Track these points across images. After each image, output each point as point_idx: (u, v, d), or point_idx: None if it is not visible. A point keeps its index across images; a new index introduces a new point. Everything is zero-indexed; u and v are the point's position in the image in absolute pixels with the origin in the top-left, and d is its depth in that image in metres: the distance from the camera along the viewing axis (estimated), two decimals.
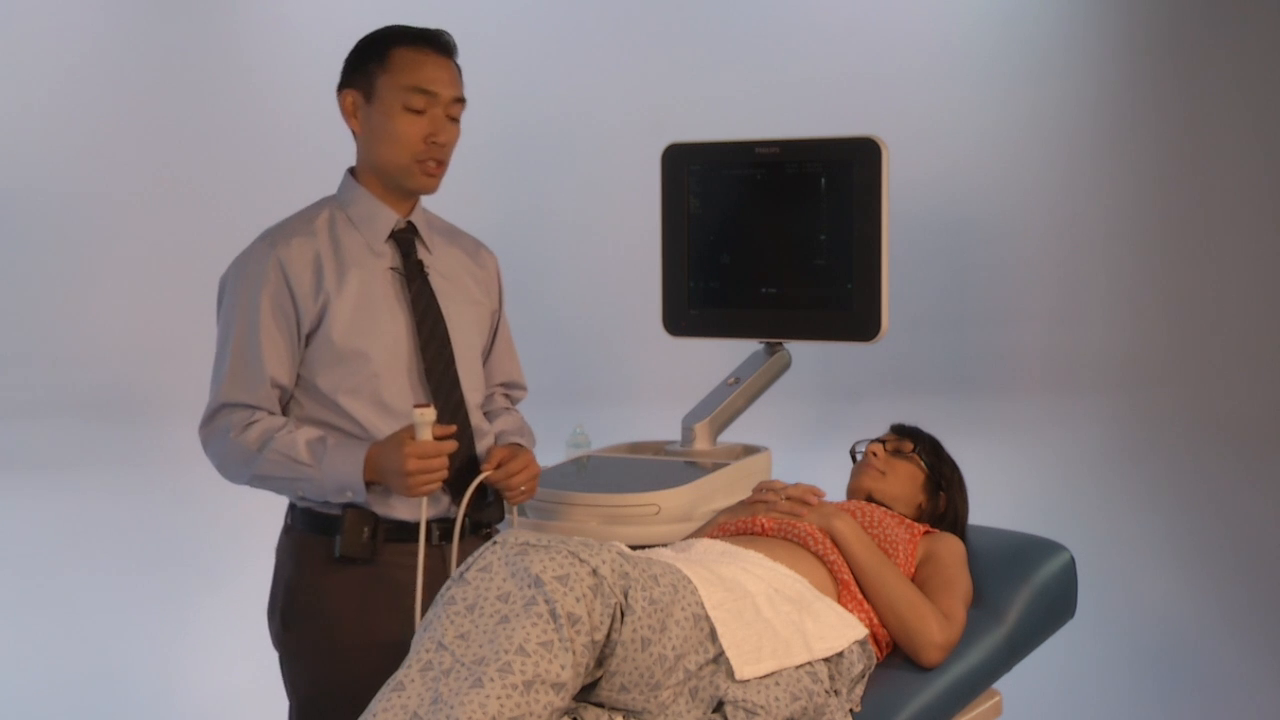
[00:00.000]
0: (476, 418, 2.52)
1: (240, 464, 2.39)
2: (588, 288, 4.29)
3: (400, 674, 1.97)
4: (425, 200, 2.56)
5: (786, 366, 3.23)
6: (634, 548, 2.21)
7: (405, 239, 2.48)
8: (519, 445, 2.55)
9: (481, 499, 2.49)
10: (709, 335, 3.24)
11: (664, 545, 2.51)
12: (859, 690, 2.29)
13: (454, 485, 2.43)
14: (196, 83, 3.93)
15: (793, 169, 3.09)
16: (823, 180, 3.05)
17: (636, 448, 3.22)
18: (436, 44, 2.43)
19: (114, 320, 3.90)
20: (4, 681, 3.74)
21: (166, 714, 3.81)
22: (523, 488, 2.47)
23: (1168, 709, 4.18)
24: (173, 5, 3.97)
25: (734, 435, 3.18)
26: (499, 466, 2.45)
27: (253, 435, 2.37)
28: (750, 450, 3.10)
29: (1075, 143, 4.59)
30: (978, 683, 2.48)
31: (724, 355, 3.31)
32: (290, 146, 3.91)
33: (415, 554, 2.37)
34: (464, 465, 2.45)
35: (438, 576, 2.40)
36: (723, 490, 2.85)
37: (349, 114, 2.45)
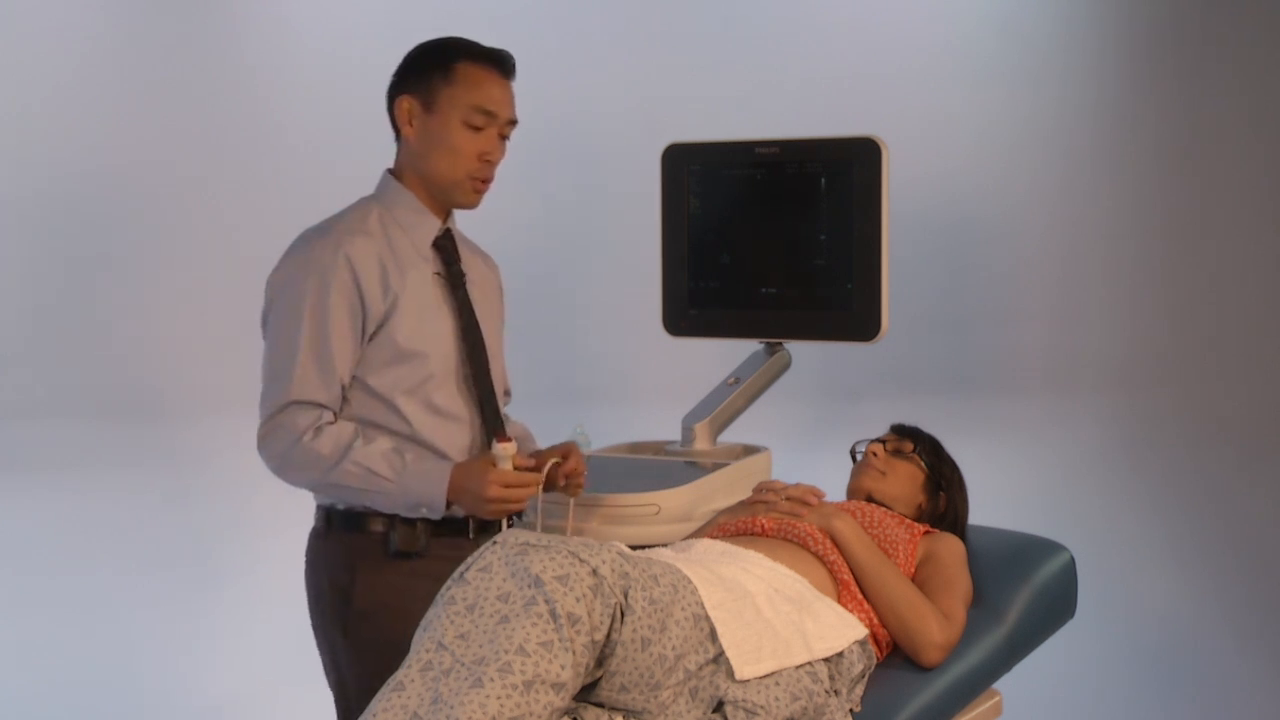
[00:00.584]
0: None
1: (308, 469, 2.37)
2: (588, 288, 4.29)
3: (400, 674, 1.97)
4: None
5: (786, 366, 3.23)
6: (634, 548, 2.21)
7: (447, 246, 2.51)
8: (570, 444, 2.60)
9: None
10: (709, 335, 3.24)
11: (664, 545, 2.51)
12: (859, 690, 2.29)
13: None
14: (198, 83, 3.93)
15: (793, 169, 3.09)
16: (823, 180, 3.05)
17: (636, 448, 3.22)
18: (501, 65, 2.46)
19: (115, 320, 3.90)
20: (5, 681, 3.74)
21: (169, 714, 3.80)
22: (579, 480, 2.54)
23: (1168, 709, 4.18)
24: (172, 5, 3.97)
25: (734, 435, 3.18)
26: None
27: (325, 442, 2.36)
28: (750, 450, 3.10)
29: (1075, 143, 4.60)
30: (978, 683, 2.48)
31: (724, 355, 3.31)
32: (290, 146, 3.91)
33: (461, 547, 2.40)
34: None
35: None
36: (723, 490, 2.85)
37: (404, 119, 2.45)
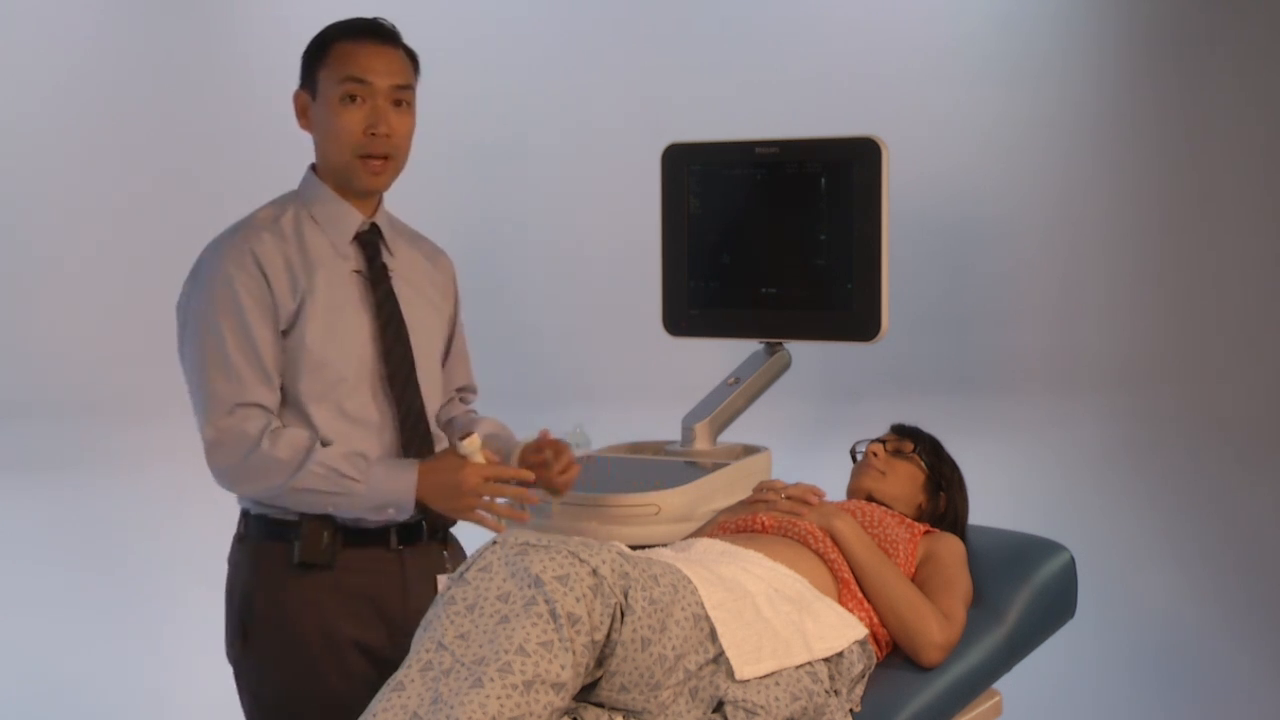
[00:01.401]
0: (433, 423, 2.45)
1: (267, 476, 2.26)
2: (588, 288, 4.29)
3: (400, 674, 1.97)
4: (403, 201, 2.50)
5: (786, 366, 3.23)
6: (634, 548, 2.21)
7: (369, 241, 2.39)
8: (557, 440, 2.47)
9: None
10: (709, 335, 3.23)
11: (664, 545, 2.51)
12: (859, 690, 2.29)
13: None
14: (195, 83, 3.93)
15: (793, 169, 3.09)
16: (823, 180, 3.05)
17: (636, 448, 3.22)
18: (373, 32, 2.34)
19: (114, 320, 3.90)
20: (4, 681, 3.73)
21: (169, 714, 3.80)
22: (566, 475, 2.41)
23: (1167, 709, 4.18)
24: (173, 5, 3.97)
25: (734, 435, 3.18)
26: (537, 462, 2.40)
27: (282, 448, 2.26)
28: (750, 450, 3.09)
29: (1075, 143, 4.60)
30: (978, 683, 2.48)
31: (724, 355, 3.31)
32: (291, 146, 3.91)
33: (379, 559, 2.33)
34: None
35: (394, 581, 2.35)
36: (723, 490, 2.85)
37: (300, 114, 2.39)
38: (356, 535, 2.33)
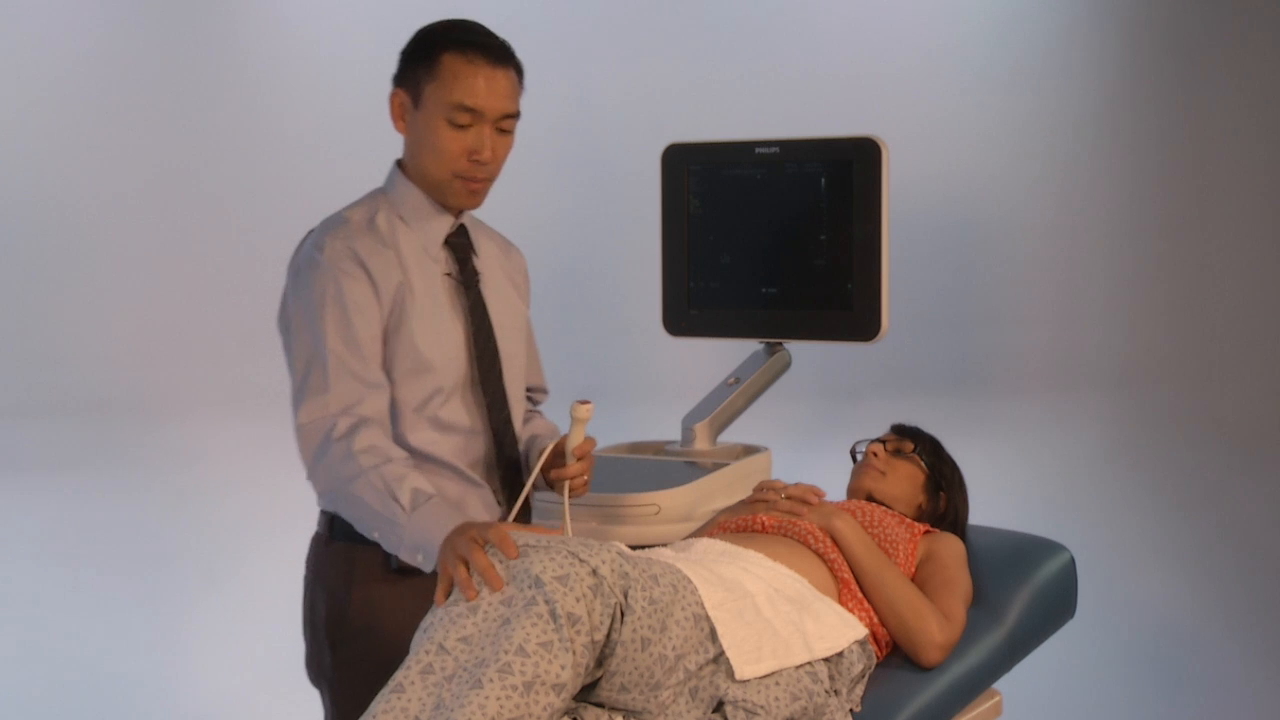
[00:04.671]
0: (518, 426, 2.43)
1: (338, 469, 2.18)
2: (587, 288, 4.29)
3: (400, 675, 1.97)
4: None
5: (786, 366, 3.23)
6: (634, 548, 2.21)
7: (460, 244, 2.36)
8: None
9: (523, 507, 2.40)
10: (709, 335, 3.23)
11: (664, 545, 2.51)
12: (859, 690, 2.29)
13: (504, 488, 2.40)
14: (196, 83, 3.93)
15: (793, 169, 3.09)
16: (823, 180, 3.05)
17: (636, 448, 3.22)
18: (490, 53, 2.25)
19: (113, 320, 3.90)
20: (4, 681, 3.74)
21: (169, 713, 3.80)
22: (585, 477, 2.38)
23: (1167, 709, 4.18)
24: (173, 5, 3.97)
25: (734, 435, 3.18)
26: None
27: (360, 444, 2.17)
28: (750, 450, 3.09)
29: (1075, 143, 4.60)
30: (978, 683, 2.47)
31: (724, 355, 3.31)
32: (291, 145, 3.92)
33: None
34: (507, 471, 2.39)
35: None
36: (723, 490, 2.85)
37: (396, 115, 2.31)
38: None
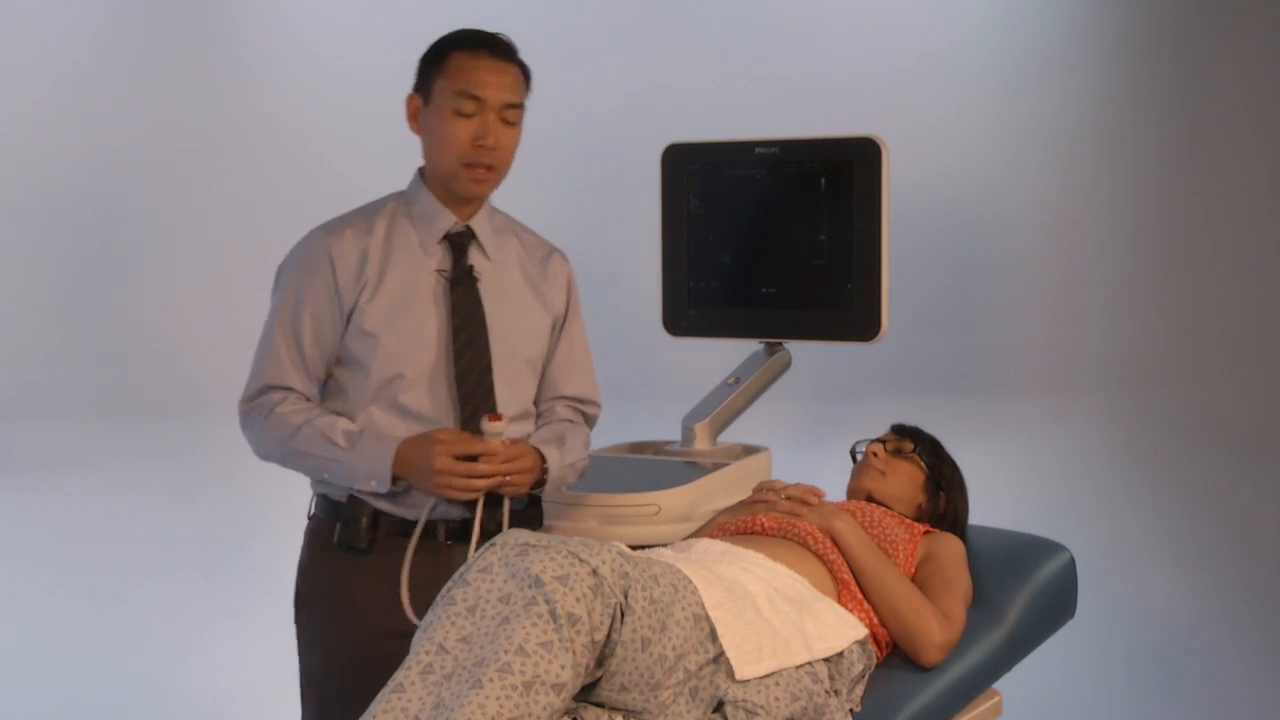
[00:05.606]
0: (514, 431, 2.47)
1: (277, 438, 2.42)
2: (587, 288, 4.28)
3: (400, 675, 1.97)
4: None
5: (786, 366, 3.23)
6: (634, 548, 2.21)
7: (458, 242, 2.48)
8: (524, 443, 2.47)
9: (496, 506, 2.44)
10: (709, 335, 3.23)
11: (664, 545, 2.51)
12: (859, 690, 2.29)
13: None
14: (201, 82, 3.93)
15: (793, 169, 3.09)
16: (823, 180, 3.05)
17: (636, 448, 3.22)
18: (493, 47, 2.44)
19: (114, 320, 3.90)
20: (5, 681, 3.74)
21: (169, 713, 3.80)
22: (508, 477, 2.39)
23: (1167, 709, 4.18)
24: (175, 4, 3.97)
25: (734, 435, 3.18)
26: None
27: (295, 411, 2.42)
28: (750, 450, 3.09)
29: (1075, 143, 4.60)
30: (978, 683, 2.48)
31: (724, 355, 3.31)
32: (295, 145, 3.91)
33: (418, 550, 2.39)
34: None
35: (436, 575, 2.36)
36: (723, 490, 2.85)
37: (411, 117, 2.47)
38: (401, 525, 2.42)
